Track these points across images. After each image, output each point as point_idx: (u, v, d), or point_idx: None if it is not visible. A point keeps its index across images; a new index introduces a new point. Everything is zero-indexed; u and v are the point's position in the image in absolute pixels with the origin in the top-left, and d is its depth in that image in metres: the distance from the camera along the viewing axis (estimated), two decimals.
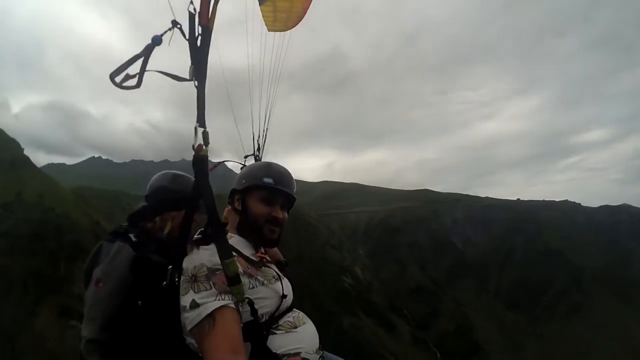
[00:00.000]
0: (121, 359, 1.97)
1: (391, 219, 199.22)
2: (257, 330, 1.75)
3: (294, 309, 2.07)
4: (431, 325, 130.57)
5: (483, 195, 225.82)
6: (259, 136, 3.37)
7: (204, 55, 1.59)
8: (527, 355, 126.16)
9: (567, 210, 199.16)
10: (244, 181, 2.13)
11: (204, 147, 1.62)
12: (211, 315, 1.60)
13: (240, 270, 1.77)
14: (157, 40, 1.56)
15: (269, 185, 2.08)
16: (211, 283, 1.67)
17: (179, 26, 1.57)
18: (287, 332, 1.88)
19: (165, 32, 1.56)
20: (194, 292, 1.67)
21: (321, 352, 2.06)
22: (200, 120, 1.61)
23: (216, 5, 1.58)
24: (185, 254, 1.85)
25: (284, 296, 1.93)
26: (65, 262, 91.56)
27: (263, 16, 3.78)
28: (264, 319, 1.83)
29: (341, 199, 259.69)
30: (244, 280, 1.77)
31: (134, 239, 2.16)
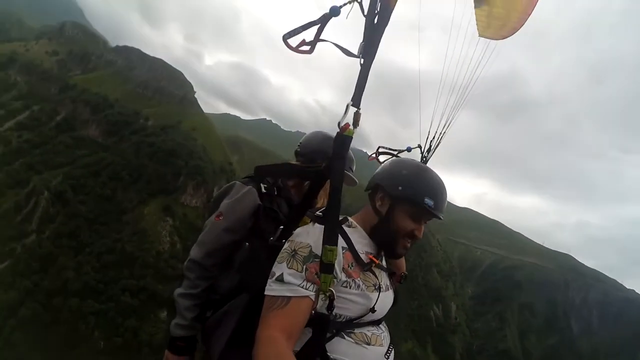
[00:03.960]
0: (210, 282, 2.26)
1: (516, 271, 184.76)
2: (324, 325, 1.68)
3: (381, 326, 1.98)
4: None
5: (629, 287, 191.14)
6: (433, 137, 3.28)
7: (378, 33, 1.49)
8: None
9: None
10: (400, 188, 1.94)
11: (350, 127, 1.55)
12: (288, 297, 1.61)
13: (342, 264, 1.77)
14: (335, 11, 1.46)
15: (428, 208, 1.92)
16: (305, 267, 1.66)
17: (359, 0, 1.46)
18: (356, 343, 1.79)
19: (345, 4, 1.46)
20: (287, 266, 1.68)
21: None
22: (356, 100, 1.52)
23: None
24: (298, 222, 1.92)
25: (372, 310, 1.82)
26: (184, 177, 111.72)
27: (476, 20, 3.63)
28: (341, 319, 1.77)
29: (475, 231, 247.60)
30: (342, 276, 1.75)
31: (263, 189, 2.34)
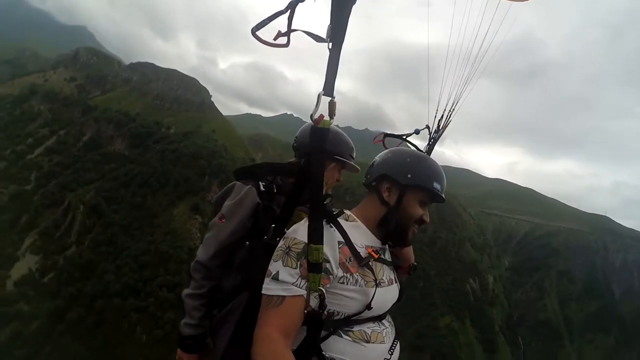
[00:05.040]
0: (216, 282, 2.32)
1: (553, 238, 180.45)
2: (317, 323, 1.65)
3: (384, 322, 1.92)
4: None
5: None
6: (441, 116, 3.18)
7: (344, 14, 1.41)
8: None
9: None
10: (409, 176, 1.93)
11: (325, 118, 1.52)
12: (283, 296, 1.60)
13: (339, 259, 1.73)
14: None
15: (437, 192, 1.95)
16: (299, 263, 1.64)
17: None
18: (354, 341, 1.75)
19: None
20: (282, 264, 1.66)
21: None
22: (328, 88, 1.45)
23: None
24: (289, 219, 1.94)
25: (369, 307, 1.75)
26: (209, 177, 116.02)
27: None
28: (338, 317, 1.74)
29: (509, 201, 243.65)
30: (338, 272, 1.71)
31: (262, 187, 2.35)
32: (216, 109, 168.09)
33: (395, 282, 2.02)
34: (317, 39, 1.45)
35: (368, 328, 1.80)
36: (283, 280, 1.63)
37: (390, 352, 1.85)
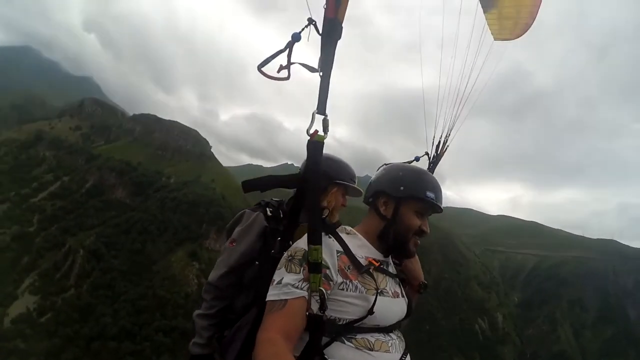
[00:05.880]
0: (226, 303, 2.41)
1: (561, 268, 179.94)
2: (319, 326, 1.68)
3: (392, 335, 1.91)
4: None
5: None
6: (439, 142, 3.35)
7: (330, 46, 1.63)
8: None
9: None
10: (402, 188, 2.01)
11: (320, 132, 1.67)
12: (285, 300, 1.65)
13: (338, 266, 1.79)
14: (296, 37, 1.64)
15: (431, 200, 2.00)
16: (302, 268, 1.71)
17: (314, 23, 1.63)
18: (357, 348, 1.75)
19: (303, 29, 1.63)
20: (286, 270, 1.73)
21: None
22: (320, 108, 1.64)
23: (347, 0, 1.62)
24: (292, 231, 2.07)
25: (370, 312, 1.76)
26: (207, 224, 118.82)
27: (489, 25, 3.64)
28: (340, 322, 1.76)
29: (514, 237, 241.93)
30: (337, 278, 1.77)
31: (269, 212, 2.48)
32: (216, 159, 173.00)
33: (402, 296, 2.06)
34: (311, 69, 1.66)
35: (372, 337, 1.81)
36: (286, 283, 1.70)
37: None
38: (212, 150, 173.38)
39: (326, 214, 2.59)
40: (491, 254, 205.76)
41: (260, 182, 2.17)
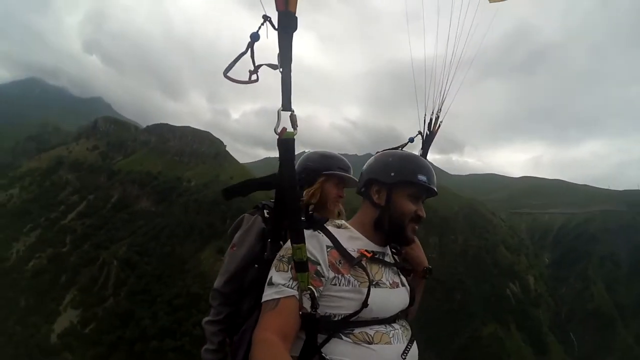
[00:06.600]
0: (233, 308, 2.37)
1: (590, 224, 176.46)
2: (313, 324, 1.67)
3: (395, 325, 1.86)
4: None
5: None
6: (431, 120, 3.24)
7: (286, 40, 1.58)
8: None
9: None
10: (392, 174, 1.97)
11: (289, 129, 1.64)
12: (277, 299, 1.65)
13: (328, 261, 1.77)
14: (255, 36, 1.64)
15: (423, 183, 1.96)
16: (290, 266, 1.69)
17: (269, 19, 1.60)
18: (355, 343, 1.71)
19: (260, 27, 1.62)
20: (276, 270, 1.74)
21: None
22: (285, 104, 1.60)
23: None
24: (279, 231, 2.07)
25: (365, 304, 1.72)
26: (230, 220, 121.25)
27: None
28: (336, 319, 1.72)
29: (539, 197, 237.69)
30: (329, 274, 1.74)
31: (266, 214, 2.44)
32: (232, 157, 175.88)
33: (403, 285, 2.01)
34: (273, 67, 1.62)
35: (371, 329, 1.76)
36: (276, 283, 1.69)
37: (404, 355, 1.79)
38: (227, 149, 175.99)
39: (311, 209, 2.60)
40: (518, 216, 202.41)
41: (240, 187, 2.20)
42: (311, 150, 3.00)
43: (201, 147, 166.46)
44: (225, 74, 1.69)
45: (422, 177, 1.96)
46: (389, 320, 1.84)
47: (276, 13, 1.60)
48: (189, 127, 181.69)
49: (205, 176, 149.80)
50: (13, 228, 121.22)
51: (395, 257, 2.15)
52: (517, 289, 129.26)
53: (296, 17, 1.60)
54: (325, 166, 2.73)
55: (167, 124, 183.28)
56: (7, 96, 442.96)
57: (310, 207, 2.60)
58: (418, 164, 2.03)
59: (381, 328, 1.79)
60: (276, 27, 1.60)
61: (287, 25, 1.59)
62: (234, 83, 1.73)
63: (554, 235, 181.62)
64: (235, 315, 2.35)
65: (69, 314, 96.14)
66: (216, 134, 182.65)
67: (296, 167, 2.57)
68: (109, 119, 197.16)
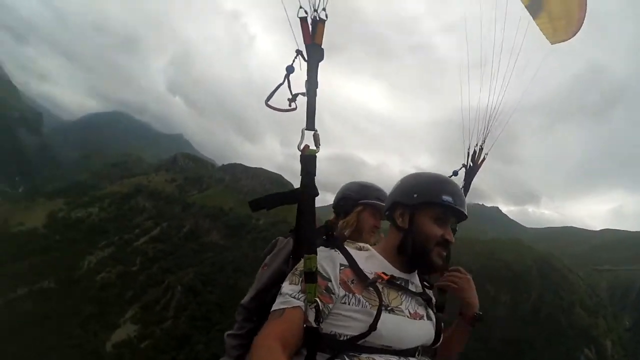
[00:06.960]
0: (256, 324, 2.32)
1: None
2: (315, 339, 1.61)
3: (412, 359, 1.73)
4: None
5: None
6: (474, 152, 3.22)
7: (312, 69, 1.70)
8: None
9: None
10: (415, 195, 1.86)
11: (311, 147, 1.68)
12: (283, 309, 1.63)
13: (340, 279, 1.70)
14: (290, 69, 1.75)
15: (448, 204, 1.83)
16: (301, 279, 1.67)
17: (300, 52, 1.72)
18: None
19: (294, 60, 1.73)
20: (288, 282, 1.72)
21: None
22: (309, 124, 1.67)
23: (322, 26, 1.73)
24: (300, 248, 1.90)
25: (373, 327, 1.61)
26: (260, 243, 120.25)
27: (541, 30, 3.50)
28: (341, 338, 1.64)
29: (621, 252, 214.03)
30: (339, 291, 1.67)
31: None
32: None
33: (429, 319, 1.89)
34: (303, 94, 1.75)
35: (380, 358, 1.64)
36: (285, 293, 1.68)
37: None
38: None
39: (347, 232, 2.61)
40: (598, 273, 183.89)
41: (265, 201, 2.06)
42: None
43: (272, 188, 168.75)
44: (266, 102, 1.78)
45: (447, 198, 1.84)
46: (405, 353, 1.72)
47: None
48: (261, 168, 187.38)
49: (274, 216, 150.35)
50: (88, 242, 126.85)
51: (427, 289, 2.02)
52: (592, 355, 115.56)
53: (322, 49, 1.75)
54: (363, 196, 2.76)
55: (241, 164, 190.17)
56: (96, 125, 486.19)
57: (347, 231, 2.67)
58: (443, 185, 1.91)
59: (393, 359, 1.68)
60: (306, 58, 1.73)
61: (314, 55, 1.73)
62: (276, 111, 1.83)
63: (637, 293, 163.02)
64: (256, 331, 2.17)
65: (128, 327, 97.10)
66: (287, 177, 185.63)
67: (336, 195, 2.91)
68: (188, 155, 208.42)
